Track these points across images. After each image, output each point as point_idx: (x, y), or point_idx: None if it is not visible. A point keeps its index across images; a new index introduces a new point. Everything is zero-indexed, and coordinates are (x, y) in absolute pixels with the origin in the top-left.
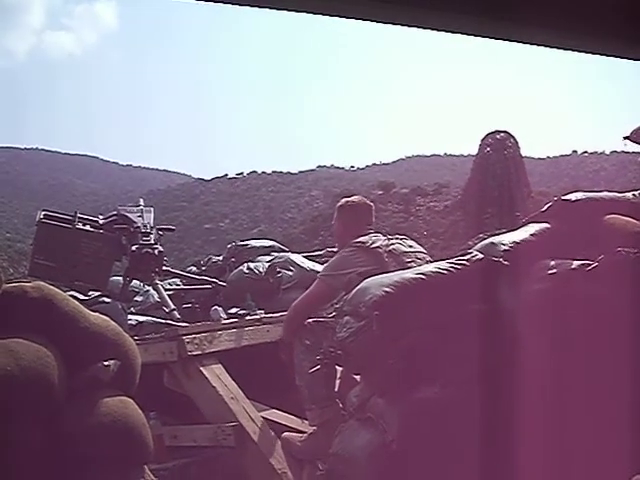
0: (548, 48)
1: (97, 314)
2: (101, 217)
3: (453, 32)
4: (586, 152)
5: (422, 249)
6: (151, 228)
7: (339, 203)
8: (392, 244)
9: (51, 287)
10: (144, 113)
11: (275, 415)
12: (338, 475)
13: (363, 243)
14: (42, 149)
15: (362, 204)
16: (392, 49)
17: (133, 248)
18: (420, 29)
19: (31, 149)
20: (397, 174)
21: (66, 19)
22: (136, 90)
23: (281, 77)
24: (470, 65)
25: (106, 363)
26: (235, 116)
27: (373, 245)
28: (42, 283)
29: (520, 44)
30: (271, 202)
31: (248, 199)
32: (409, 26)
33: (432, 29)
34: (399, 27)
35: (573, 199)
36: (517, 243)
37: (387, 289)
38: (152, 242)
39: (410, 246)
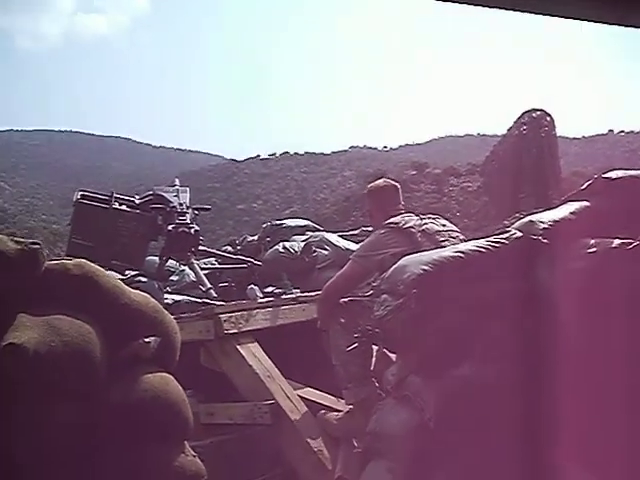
0: (585, 22)
1: (137, 291)
2: (137, 197)
3: (488, 6)
4: (622, 131)
5: (455, 228)
6: (187, 208)
7: (367, 189)
8: (425, 224)
9: (92, 264)
10: (176, 95)
11: (310, 393)
12: (375, 453)
13: (396, 224)
14: (76, 131)
15: (387, 186)
16: (425, 28)
17: (169, 227)
18: (455, 3)
19: (65, 132)
20: (430, 154)
21: (98, 1)
22: (168, 72)
23: (313, 58)
24: (503, 43)
25: (147, 340)
26: (267, 97)
27: (406, 225)
28: (83, 261)
29: (555, 18)
30: (303, 183)
31: (280, 180)
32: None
33: (465, 3)
34: (431, 4)
35: (614, 177)
36: (556, 221)
37: (425, 267)
38: (188, 221)
39: (443, 225)
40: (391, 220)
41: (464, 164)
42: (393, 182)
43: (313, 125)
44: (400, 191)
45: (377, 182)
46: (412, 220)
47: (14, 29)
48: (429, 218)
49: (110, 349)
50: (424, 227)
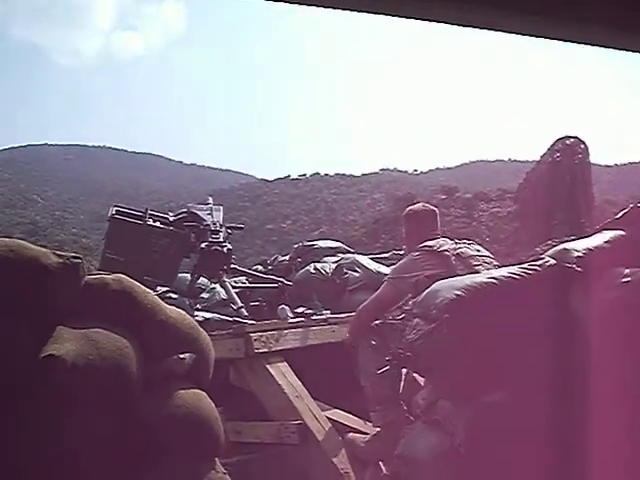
0: (617, 50)
1: (173, 307)
2: (171, 214)
3: (520, 34)
4: None
5: (488, 254)
6: (220, 226)
7: (404, 212)
8: (459, 248)
9: (130, 280)
10: (209, 113)
11: (338, 415)
12: (403, 477)
13: (431, 247)
14: (109, 147)
15: (425, 211)
16: (460, 51)
17: (202, 245)
18: (485, 30)
19: (98, 147)
20: (460, 179)
21: (134, 20)
22: (201, 91)
23: (345, 79)
24: (537, 68)
25: (182, 356)
26: (298, 117)
27: (441, 249)
28: (122, 276)
29: (587, 46)
30: (333, 204)
31: (310, 200)
32: (474, 27)
33: (498, 30)
34: (464, 28)
35: None
36: (590, 250)
37: (459, 292)
38: (221, 240)
39: (477, 250)
40: (426, 243)
41: (494, 189)
42: (432, 207)
43: (344, 146)
44: (438, 217)
45: (415, 206)
46: (447, 244)
47: (50, 45)
48: (463, 243)
49: (145, 364)
50: (459, 251)
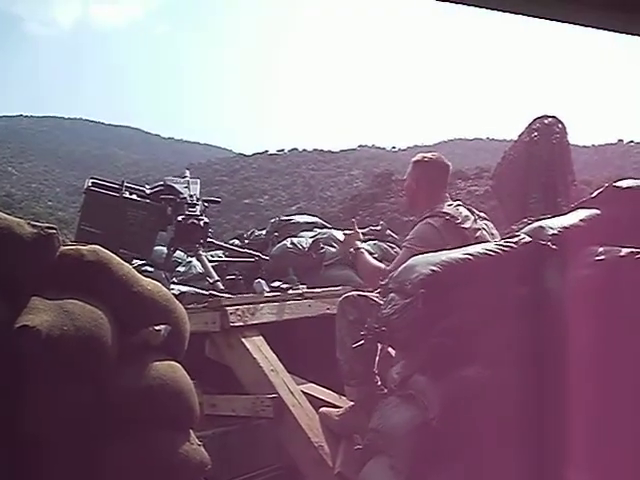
0: (597, 30)
1: (149, 280)
2: (147, 187)
3: (502, 10)
4: (632, 142)
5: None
6: (197, 199)
7: (414, 158)
8: (478, 229)
9: (106, 251)
10: (187, 87)
11: (313, 389)
12: (376, 450)
13: (452, 217)
14: (85, 119)
15: (440, 162)
16: (438, 30)
17: (179, 218)
18: (473, 7)
19: (75, 119)
20: None
21: None
22: (179, 64)
23: (324, 56)
24: (516, 48)
25: (157, 328)
26: (277, 92)
27: (462, 225)
28: (98, 247)
29: (567, 24)
30: (311, 180)
31: (288, 176)
32: (461, 3)
33: (478, 6)
34: (450, 4)
35: (624, 186)
36: (566, 228)
37: (434, 268)
38: (198, 213)
39: (492, 234)
40: (447, 210)
41: (472, 167)
42: (445, 160)
43: (322, 122)
44: (449, 173)
45: (429, 154)
46: (468, 220)
47: (24, 14)
48: (481, 219)
49: (121, 335)
50: (478, 234)
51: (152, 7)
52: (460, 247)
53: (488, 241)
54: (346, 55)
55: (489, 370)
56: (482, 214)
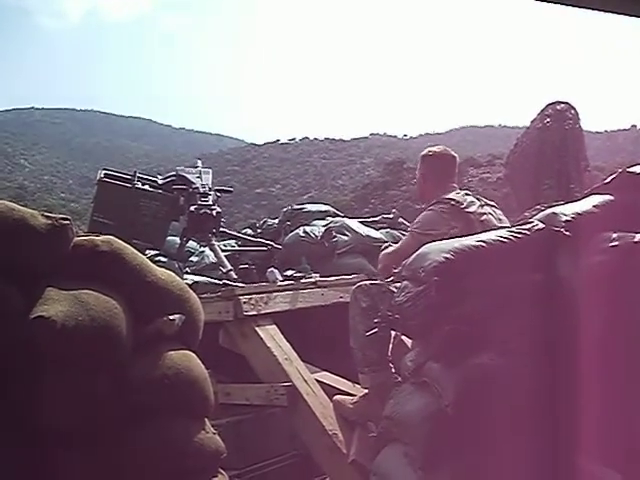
0: (609, 14)
1: (163, 269)
2: (160, 177)
3: None
4: None
5: (508, 222)
6: (209, 189)
7: (422, 153)
8: (484, 213)
9: (120, 241)
10: (198, 77)
11: (327, 377)
12: (390, 438)
13: (457, 203)
14: (98, 111)
15: (446, 155)
16: (450, 17)
17: (191, 208)
18: None
19: (87, 111)
20: (450, 144)
21: None
22: (190, 55)
23: (337, 44)
24: (528, 34)
25: (171, 317)
26: (288, 81)
27: (467, 209)
28: (112, 237)
29: (579, 9)
30: (322, 168)
31: (299, 165)
32: None
33: None
34: None
35: (638, 171)
36: (579, 214)
37: (447, 255)
38: (210, 203)
39: (499, 219)
40: (451, 196)
41: (484, 155)
42: (453, 153)
43: (334, 111)
44: (457, 165)
45: (436, 148)
46: (474, 205)
47: (34, 7)
48: (489, 206)
49: (135, 325)
50: (483, 218)
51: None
52: (466, 231)
53: (495, 225)
54: (358, 44)
55: (502, 357)
56: (491, 202)
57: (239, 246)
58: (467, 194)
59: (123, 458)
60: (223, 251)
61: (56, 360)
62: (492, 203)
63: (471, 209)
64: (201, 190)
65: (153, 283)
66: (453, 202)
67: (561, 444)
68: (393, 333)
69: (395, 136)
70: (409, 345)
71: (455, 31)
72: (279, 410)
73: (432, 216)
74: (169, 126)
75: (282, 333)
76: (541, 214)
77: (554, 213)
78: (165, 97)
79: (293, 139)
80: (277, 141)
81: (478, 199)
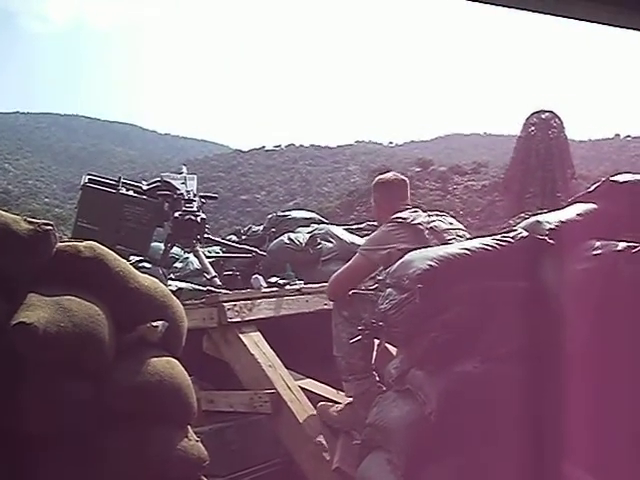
0: (593, 24)
1: (146, 276)
2: (144, 183)
3: (499, 5)
4: (629, 136)
5: (462, 226)
6: (194, 195)
7: (374, 181)
8: (433, 221)
9: (103, 247)
10: (183, 83)
11: (311, 385)
12: (374, 445)
13: (404, 219)
14: (82, 116)
15: (396, 180)
16: (435, 26)
17: (176, 214)
18: (469, 1)
19: (71, 115)
20: (435, 152)
21: None
22: (176, 60)
23: (322, 51)
24: (513, 43)
25: (154, 324)
26: (274, 88)
27: (414, 221)
28: (94, 243)
29: (563, 19)
30: (308, 175)
31: (285, 172)
32: None
33: (477, 1)
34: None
35: (621, 180)
36: (563, 222)
37: (431, 263)
38: (195, 209)
39: (450, 223)
40: (399, 215)
41: (469, 162)
42: (402, 177)
43: (319, 118)
44: (408, 187)
45: (386, 175)
46: (420, 217)
47: (19, 9)
48: (437, 215)
49: (118, 331)
50: (432, 224)
51: (149, 3)
52: (417, 241)
53: (444, 230)
54: (343, 50)
55: (486, 365)
56: (443, 213)
57: (223, 252)
58: (415, 211)
59: (104, 465)
60: (207, 257)
61: (37, 366)
62: (441, 213)
63: (418, 220)
64: (186, 196)
65: (136, 289)
66: (400, 219)
67: (545, 450)
68: (377, 341)
69: (381, 143)
70: (393, 353)
71: (441, 39)
72: (263, 417)
73: (379, 234)
74: (154, 131)
75: (266, 340)
76: (525, 222)
77: (538, 221)
78: (150, 102)
79: (279, 146)
80: (263, 147)
81: (425, 211)
